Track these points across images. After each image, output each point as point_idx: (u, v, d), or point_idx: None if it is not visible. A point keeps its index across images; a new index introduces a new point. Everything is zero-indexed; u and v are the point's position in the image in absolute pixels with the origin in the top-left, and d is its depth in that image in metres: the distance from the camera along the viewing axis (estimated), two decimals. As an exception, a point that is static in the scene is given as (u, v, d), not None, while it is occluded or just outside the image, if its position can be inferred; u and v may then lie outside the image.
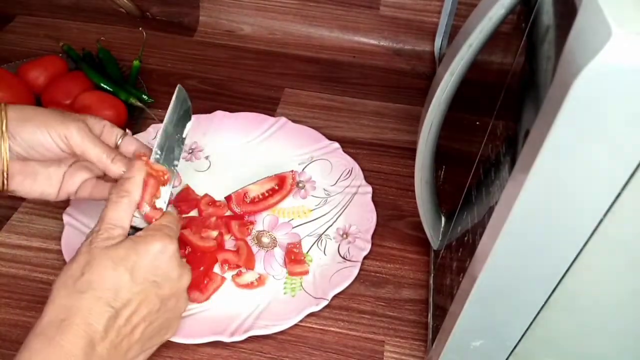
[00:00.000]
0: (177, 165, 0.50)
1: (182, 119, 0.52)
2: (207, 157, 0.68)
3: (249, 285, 0.56)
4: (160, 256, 0.42)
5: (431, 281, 0.56)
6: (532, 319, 0.36)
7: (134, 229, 0.44)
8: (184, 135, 0.51)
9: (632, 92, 0.23)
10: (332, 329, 0.54)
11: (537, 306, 0.35)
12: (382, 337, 0.54)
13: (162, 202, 0.47)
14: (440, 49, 0.84)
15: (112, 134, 0.51)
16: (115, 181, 0.48)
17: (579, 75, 0.23)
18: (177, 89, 0.51)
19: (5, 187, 0.47)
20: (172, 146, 0.50)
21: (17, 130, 0.45)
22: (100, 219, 0.43)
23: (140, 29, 0.79)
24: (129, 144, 0.51)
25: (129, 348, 0.40)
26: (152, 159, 0.48)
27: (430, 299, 0.55)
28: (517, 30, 0.38)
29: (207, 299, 0.54)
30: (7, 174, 0.46)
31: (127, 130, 0.54)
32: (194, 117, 0.70)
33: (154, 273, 0.42)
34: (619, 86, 0.23)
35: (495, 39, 0.39)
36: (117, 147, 0.51)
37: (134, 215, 0.44)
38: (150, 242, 0.42)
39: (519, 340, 0.38)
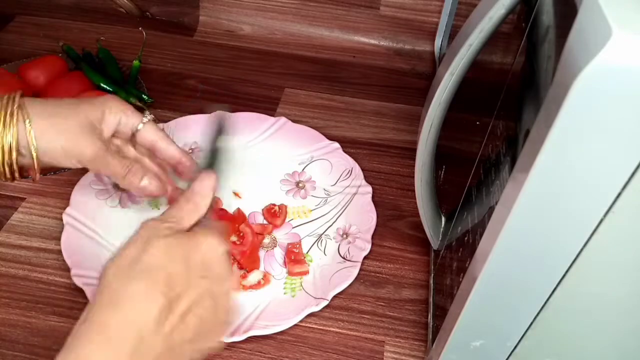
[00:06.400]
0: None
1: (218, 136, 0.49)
2: (155, 120, 0.67)
3: (256, 286, 0.56)
4: (214, 252, 0.41)
5: (431, 281, 0.56)
6: (532, 319, 0.36)
7: None
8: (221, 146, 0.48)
9: (632, 92, 0.23)
10: (332, 329, 0.54)
11: (537, 306, 0.35)
12: (382, 337, 0.54)
13: None
14: (440, 49, 0.84)
15: (128, 126, 0.52)
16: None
17: (579, 75, 0.23)
18: (215, 113, 0.49)
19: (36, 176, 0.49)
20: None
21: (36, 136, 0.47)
22: (166, 213, 0.42)
23: (140, 29, 0.79)
24: (147, 133, 0.52)
25: (181, 342, 0.38)
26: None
27: (431, 299, 0.55)
28: (517, 30, 0.38)
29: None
30: (38, 165, 0.47)
31: (146, 115, 0.53)
32: (194, 117, 0.71)
33: (207, 268, 0.40)
34: (619, 86, 0.23)
35: (495, 39, 0.39)
36: (134, 135, 0.52)
37: None
38: (207, 236, 0.41)
39: (519, 341, 0.38)
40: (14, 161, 0.47)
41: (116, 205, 0.62)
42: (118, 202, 0.62)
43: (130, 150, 0.54)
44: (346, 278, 0.56)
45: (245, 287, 0.56)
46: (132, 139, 0.53)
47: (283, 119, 0.72)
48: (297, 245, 0.59)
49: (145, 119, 0.52)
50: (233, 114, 0.72)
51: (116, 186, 0.63)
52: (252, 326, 0.52)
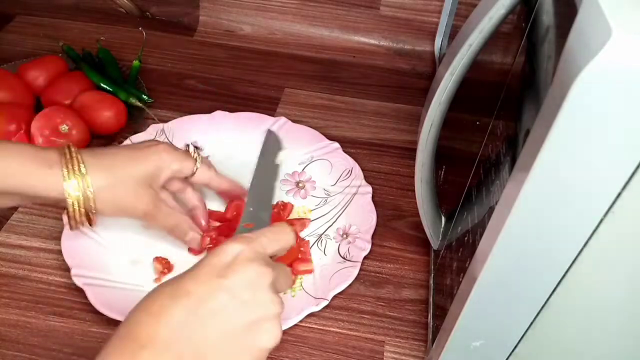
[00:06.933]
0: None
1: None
2: (207, 157, 0.68)
3: None
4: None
5: (431, 281, 0.56)
6: (532, 319, 0.36)
7: None
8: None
9: (632, 92, 0.23)
10: (332, 329, 0.54)
11: (537, 306, 0.35)
12: (382, 337, 0.54)
13: None
14: (440, 49, 0.84)
15: (182, 173, 0.54)
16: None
17: (579, 75, 0.23)
18: (267, 131, 0.54)
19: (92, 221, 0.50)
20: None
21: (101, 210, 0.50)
22: (262, 234, 0.40)
23: (140, 29, 0.79)
24: (201, 175, 0.55)
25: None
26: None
27: (431, 299, 0.55)
28: (517, 30, 0.38)
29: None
30: (95, 207, 0.49)
31: (197, 158, 0.55)
32: (194, 117, 0.71)
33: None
34: (619, 86, 0.23)
35: (495, 39, 0.39)
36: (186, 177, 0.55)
37: None
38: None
39: (519, 341, 0.38)
40: (88, 209, 0.48)
41: (116, 205, 0.62)
42: (118, 202, 0.62)
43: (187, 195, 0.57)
44: (346, 278, 0.56)
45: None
46: (184, 180, 0.56)
47: (283, 119, 0.72)
48: (304, 244, 0.59)
49: (197, 166, 0.55)
50: (233, 114, 0.72)
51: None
52: (252, 326, 0.52)
